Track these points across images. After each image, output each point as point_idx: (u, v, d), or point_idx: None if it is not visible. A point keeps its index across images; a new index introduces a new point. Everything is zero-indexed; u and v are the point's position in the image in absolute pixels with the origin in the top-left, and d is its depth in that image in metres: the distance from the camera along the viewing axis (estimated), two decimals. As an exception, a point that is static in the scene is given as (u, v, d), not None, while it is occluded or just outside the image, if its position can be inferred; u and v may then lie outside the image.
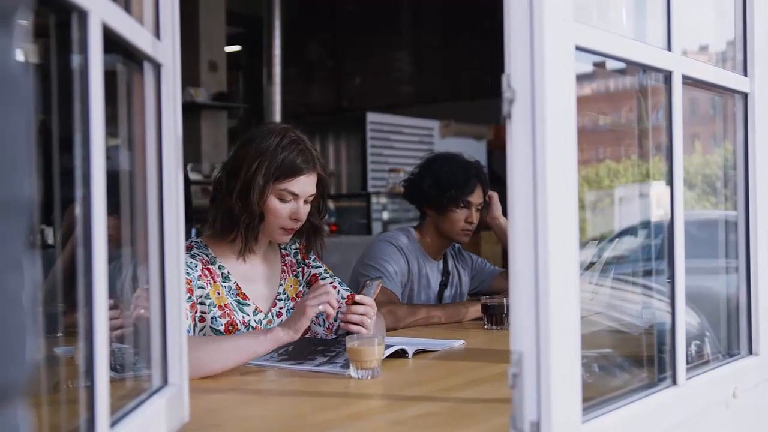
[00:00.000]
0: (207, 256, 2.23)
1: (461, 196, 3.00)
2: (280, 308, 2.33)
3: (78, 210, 1.03)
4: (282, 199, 2.21)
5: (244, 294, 2.25)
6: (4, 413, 0.55)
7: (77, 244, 1.04)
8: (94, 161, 1.02)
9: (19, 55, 0.58)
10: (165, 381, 1.38)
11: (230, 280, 2.24)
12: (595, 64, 1.49)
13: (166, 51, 1.37)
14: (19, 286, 0.56)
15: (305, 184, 2.23)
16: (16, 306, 0.56)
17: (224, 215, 2.22)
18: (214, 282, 2.20)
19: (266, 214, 2.21)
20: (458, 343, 2.36)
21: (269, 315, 2.29)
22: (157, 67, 1.35)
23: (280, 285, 2.36)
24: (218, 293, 2.19)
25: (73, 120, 1.03)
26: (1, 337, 0.55)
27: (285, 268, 2.39)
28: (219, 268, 2.23)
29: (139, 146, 1.37)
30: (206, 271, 2.19)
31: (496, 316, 2.66)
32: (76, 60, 1.03)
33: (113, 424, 1.10)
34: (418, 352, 2.19)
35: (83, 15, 1.00)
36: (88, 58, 1.01)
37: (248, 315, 2.23)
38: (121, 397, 1.27)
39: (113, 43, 1.12)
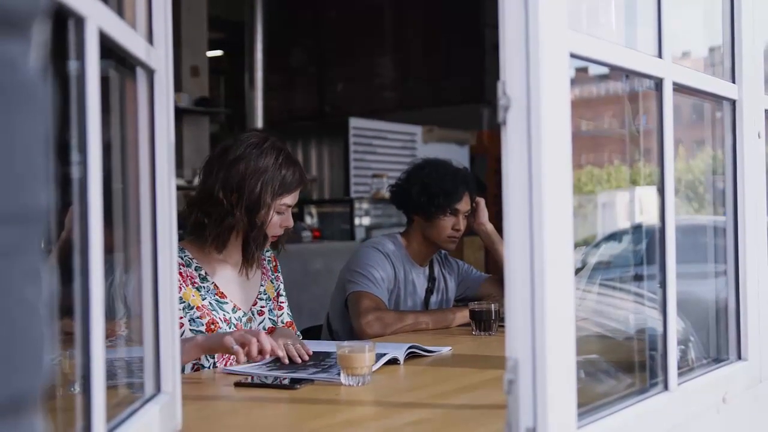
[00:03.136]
0: (182, 258, 2.25)
1: (449, 204, 3.00)
2: (262, 307, 2.43)
3: (74, 216, 1.02)
4: (278, 212, 2.32)
5: (222, 293, 2.32)
6: (24, 422, 0.55)
7: (66, 249, 1.03)
8: (91, 167, 1.01)
9: (36, 63, 0.57)
10: (158, 389, 1.37)
11: (208, 281, 2.30)
12: (578, 70, 1.50)
13: (159, 57, 1.36)
14: (36, 295, 0.56)
15: (297, 195, 2.37)
16: (34, 315, 0.56)
17: (227, 231, 2.28)
18: (187, 285, 2.26)
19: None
20: (446, 350, 2.37)
21: (249, 313, 2.38)
22: (150, 73, 1.34)
23: (261, 285, 2.45)
24: (193, 295, 2.25)
25: (69, 125, 1.02)
26: (21, 346, 0.55)
27: (264, 270, 2.49)
28: (196, 270, 2.30)
29: (132, 152, 1.36)
30: (178, 275, 2.20)
31: (484, 322, 2.67)
32: (72, 65, 1.02)
33: (108, 432, 1.09)
34: (410, 357, 2.20)
35: (80, 21, 0.99)
36: (84, 64, 1.00)
37: (228, 313, 2.30)
38: (113, 405, 1.26)
39: (107, 48, 1.12)
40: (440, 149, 7.92)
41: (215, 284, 2.31)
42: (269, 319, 2.42)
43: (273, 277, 2.52)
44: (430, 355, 2.28)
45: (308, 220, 7.65)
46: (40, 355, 0.57)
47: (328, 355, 2.19)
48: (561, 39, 1.21)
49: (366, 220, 7.72)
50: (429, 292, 3.15)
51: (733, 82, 1.85)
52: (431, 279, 3.17)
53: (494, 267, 3.24)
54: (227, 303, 2.31)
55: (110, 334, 1.43)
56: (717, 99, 1.86)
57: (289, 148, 2.40)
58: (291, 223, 2.37)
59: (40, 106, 0.57)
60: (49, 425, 1.23)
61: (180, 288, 2.21)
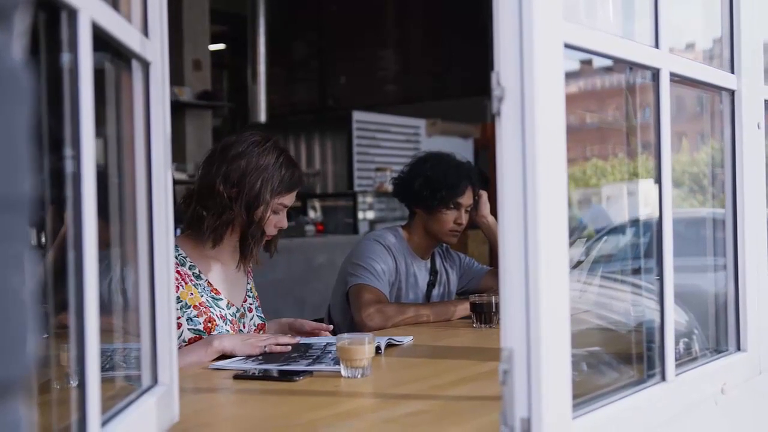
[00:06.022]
0: (176, 258, 2.27)
1: (452, 198, 3.00)
2: (250, 304, 2.47)
3: (68, 211, 1.02)
4: (275, 212, 2.34)
5: (216, 289, 2.35)
6: (7, 409, 0.55)
7: (65, 244, 1.04)
8: (85, 161, 1.01)
9: (19, 53, 0.58)
10: (155, 380, 1.37)
11: (202, 279, 2.33)
12: (582, 62, 1.50)
13: (154, 49, 1.36)
14: (20, 282, 0.57)
15: (294, 197, 2.40)
16: (17, 303, 0.56)
17: (225, 225, 2.30)
18: (186, 283, 2.28)
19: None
20: (408, 339, 2.40)
21: (242, 309, 2.42)
22: (145, 65, 1.34)
23: (248, 283, 2.49)
24: (191, 293, 2.28)
25: (62, 119, 1.02)
26: (4, 333, 0.55)
27: (249, 269, 2.52)
28: (189, 268, 2.32)
29: (128, 145, 1.36)
30: (176, 274, 2.24)
31: (485, 315, 2.67)
32: (65, 58, 1.02)
33: (104, 423, 1.10)
34: (389, 346, 2.25)
35: (73, 13, 0.99)
36: (77, 56, 1.00)
37: (223, 309, 2.33)
38: (110, 397, 1.26)
39: (101, 41, 1.12)
40: (444, 142, 7.91)
41: (209, 281, 2.34)
42: (257, 316, 2.47)
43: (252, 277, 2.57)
44: (403, 342, 2.34)
45: (311, 214, 7.65)
46: (23, 342, 0.57)
47: (309, 346, 2.22)
48: (555, 29, 1.21)
49: (369, 214, 7.72)
50: (431, 285, 3.15)
51: (732, 72, 1.85)
52: (433, 272, 3.17)
53: (497, 260, 3.24)
54: (222, 299, 2.35)
55: (109, 328, 1.44)
56: (716, 90, 1.85)
57: (292, 144, 2.44)
58: (285, 224, 2.40)
59: (23, 96, 0.57)
60: (47, 418, 1.23)
61: (178, 287, 2.23)
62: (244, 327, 2.39)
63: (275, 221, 2.35)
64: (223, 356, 2.12)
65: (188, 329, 2.24)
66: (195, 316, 2.25)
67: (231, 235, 2.34)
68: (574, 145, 1.52)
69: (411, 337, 2.43)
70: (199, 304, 2.27)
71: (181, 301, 2.24)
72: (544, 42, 1.18)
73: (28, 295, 0.57)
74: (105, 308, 1.32)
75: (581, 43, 1.31)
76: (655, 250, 1.57)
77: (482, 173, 3.30)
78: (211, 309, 2.29)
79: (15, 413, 0.55)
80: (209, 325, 2.26)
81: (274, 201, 2.31)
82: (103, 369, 1.12)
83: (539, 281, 1.16)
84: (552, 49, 1.21)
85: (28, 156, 0.57)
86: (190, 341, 2.22)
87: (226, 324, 2.30)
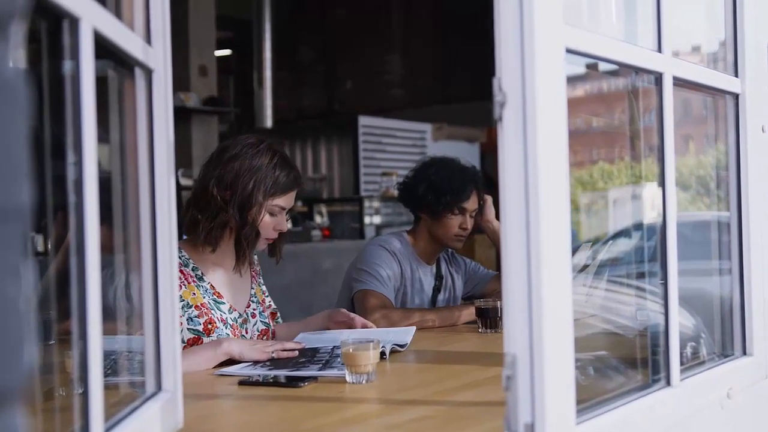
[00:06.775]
0: (179, 258, 2.27)
1: (456, 203, 2.99)
2: (254, 310, 2.46)
3: (70, 217, 1.02)
4: (271, 214, 2.34)
5: (219, 293, 2.35)
6: (5, 417, 0.55)
7: (69, 251, 1.04)
8: (87, 168, 1.02)
9: (16, 62, 0.58)
10: (159, 387, 1.37)
11: (205, 281, 2.33)
12: (588, 66, 1.50)
13: (157, 57, 1.37)
14: (17, 291, 0.57)
15: (292, 199, 2.38)
16: (14, 311, 0.56)
17: (219, 228, 2.30)
18: (189, 283, 2.29)
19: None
20: (411, 330, 2.44)
21: (244, 314, 2.41)
22: (148, 72, 1.35)
23: (252, 288, 2.49)
24: (193, 294, 2.29)
25: (64, 126, 1.03)
26: (1, 342, 0.55)
27: (254, 274, 2.52)
28: (193, 270, 2.33)
29: (131, 152, 1.37)
30: (179, 273, 2.25)
31: (490, 319, 2.66)
32: (67, 66, 1.03)
33: (107, 430, 1.10)
34: (393, 352, 2.25)
35: (74, 21, 1.00)
36: (79, 64, 1.01)
37: (224, 313, 2.33)
38: (115, 404, 1.26)
39: (104, 48, 1.12)
40: (450, 147, 7.91)
41: (211, 284, 2.34)
42: (261, 321, 2.47)
43: (260, 281, 2.56)
44: (407, 341, 2.34)
45: (318, 219, 7.65)
46: (19, 351, 0.57)
47: (316, 351, 2.22)
48: (556, 34, 1.21)
49: (376, 219, 7.72)
50: (437, 290, 3.15)
51: (736, 75, 1.84)
52: (439, 277, 3.17)
53: (503, 264, 3.22)
54: (224, 303, 2.35)
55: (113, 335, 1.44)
56: (720, 93, 1.85)
57: (298, 148, 2.44)
58: (284, 227, 2.38)
59: (20, 105, 0.57)
60: (51, 424, 1.23)
61: (180, 286, 2.23)
62: (246, 332, 2.39)
63: (274, 224, 2.34)
64: (229, 360, 2.12)
65: (188, 329, 2.24)
66: (196, 317, 2.25)
67: (230, 238, 2.34)
68: (580, 148, 1.52)
69: (413, 328, 2.46)
70: (201, 304, 2.28)
71: (183, 300, 2.24)
72: (545, 47, 1.18)
73: (25, 304, 0.57)
74: (109, 315, 1.32)
75: (583, 47, 1.31)
76: (660, 253, 1.56)
77: (487, 177, 3.29)
78: (213, 311, 2.29)
79: (12, 422, 0.55)
80: (209, 326, 2.26)
81: (267, 202, 2.30)
82: (106, 374, 1.13)
83: (541, 286, 1.16)
84: (553, 54, 1.21)
85: (26, 165, 0.57)
86: (189, 342, 2.22)
87: (226, 327, 2.30)
